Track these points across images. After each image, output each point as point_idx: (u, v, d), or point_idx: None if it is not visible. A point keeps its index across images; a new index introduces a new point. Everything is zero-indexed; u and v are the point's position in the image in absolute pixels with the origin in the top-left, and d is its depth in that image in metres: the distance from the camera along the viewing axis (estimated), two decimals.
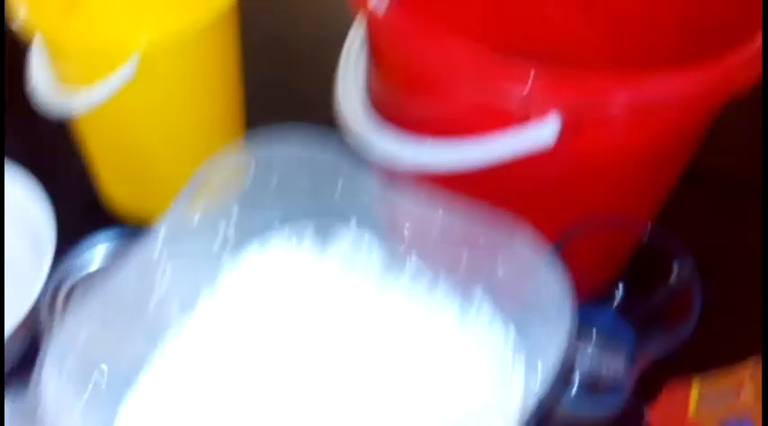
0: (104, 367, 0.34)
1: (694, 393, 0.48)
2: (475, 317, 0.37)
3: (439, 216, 0.36)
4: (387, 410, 0.35)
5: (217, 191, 0.37)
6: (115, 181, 0.57)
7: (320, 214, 0.39)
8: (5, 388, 0.36)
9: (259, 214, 0.39)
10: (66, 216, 0.51)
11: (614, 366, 0.46)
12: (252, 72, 0.55)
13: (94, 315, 0.33)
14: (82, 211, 0.54)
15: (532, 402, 0.34)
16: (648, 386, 0.49)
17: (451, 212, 0.36)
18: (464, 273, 0.37)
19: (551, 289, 0.34)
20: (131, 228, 0.51)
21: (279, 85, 0.64)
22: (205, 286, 0.38)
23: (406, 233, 0.38)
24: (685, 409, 0.48)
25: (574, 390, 0.46)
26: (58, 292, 0.49)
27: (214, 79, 0.52)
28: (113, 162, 0.55)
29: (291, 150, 0.38)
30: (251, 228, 0.39)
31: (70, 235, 0.50)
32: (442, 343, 0.37)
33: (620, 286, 0.46)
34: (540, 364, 0.34)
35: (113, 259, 0.50)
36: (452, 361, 0.37)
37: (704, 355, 0.49)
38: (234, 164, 0.38)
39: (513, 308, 0.37)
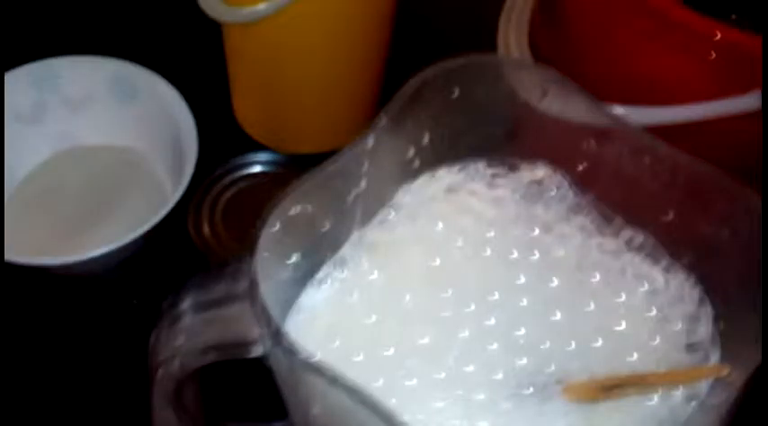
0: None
1: None
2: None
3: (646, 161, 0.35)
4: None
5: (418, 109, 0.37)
6: (252, 105, 0.58)
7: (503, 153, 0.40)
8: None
9: (445, 144, 0.40)
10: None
11: None
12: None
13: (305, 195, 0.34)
14: (218, 130, 0.55)
15: None
16: None
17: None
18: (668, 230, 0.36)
19: None
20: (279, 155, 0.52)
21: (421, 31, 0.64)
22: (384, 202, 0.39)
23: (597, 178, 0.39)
24: None
25: None
26: (205, 200, 0.50)
27: (371, 24, 0.52)
28: (256, 85, 0.56)
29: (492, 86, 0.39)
30: (439, 155, 0.40)
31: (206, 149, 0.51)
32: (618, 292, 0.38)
33: None
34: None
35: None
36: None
37: None
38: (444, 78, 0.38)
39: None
